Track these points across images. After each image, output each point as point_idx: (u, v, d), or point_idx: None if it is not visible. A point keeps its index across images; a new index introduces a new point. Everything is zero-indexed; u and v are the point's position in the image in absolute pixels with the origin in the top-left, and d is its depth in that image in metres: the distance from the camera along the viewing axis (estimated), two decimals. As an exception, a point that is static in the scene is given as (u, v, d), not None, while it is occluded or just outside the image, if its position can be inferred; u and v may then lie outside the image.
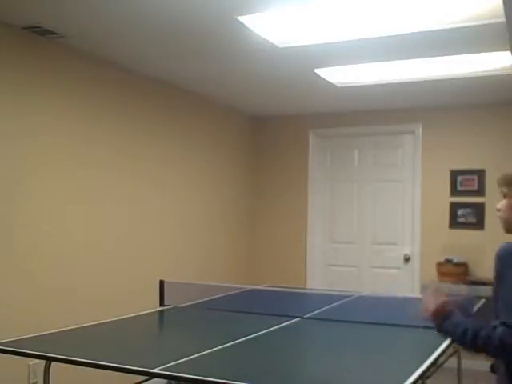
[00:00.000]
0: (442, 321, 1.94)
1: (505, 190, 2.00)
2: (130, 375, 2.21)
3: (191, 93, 5.43)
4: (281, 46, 3.88)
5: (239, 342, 2.59)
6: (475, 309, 3.40)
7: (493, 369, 2.02)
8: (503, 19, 3.24)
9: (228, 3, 3.14)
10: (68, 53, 4.04)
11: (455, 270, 5.36)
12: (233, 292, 4.21)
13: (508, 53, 3.97)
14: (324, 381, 2.09)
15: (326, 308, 3.55)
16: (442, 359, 2.56)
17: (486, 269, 5.48)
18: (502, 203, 2.01)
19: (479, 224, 5.58)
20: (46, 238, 3.87)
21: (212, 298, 3.94)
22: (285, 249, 6.45)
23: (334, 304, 3.72)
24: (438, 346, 2.54)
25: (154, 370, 2.11)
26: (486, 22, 3.34)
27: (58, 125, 3.98)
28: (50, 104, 3.91)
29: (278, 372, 2.16)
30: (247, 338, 2.69)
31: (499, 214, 2.03)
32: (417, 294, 5.39)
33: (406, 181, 6.03)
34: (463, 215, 5.67)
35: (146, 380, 2.90)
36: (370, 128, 6.15)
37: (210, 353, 2.39)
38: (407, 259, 5.96)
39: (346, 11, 3.24)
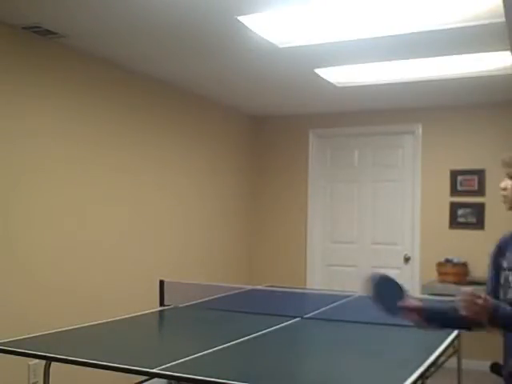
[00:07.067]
0: (494, 312, 1.87)
1: (511, 170, 2.07)
2: (130, 375, 2.21)
3: (191, 93, 5.44)
4: (281, 45, 3.88)
5: (239, 342, 2.59)
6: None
7: (493, 369, 2.02)
8: (503, 19, 3.24)
9: (228, 3, 3.14)
10: (68, 53, 4.04)
11: (455, 270, 5.36)
12: (233, 292, 4.21)
13: (508, 53, 3.97)
14: (324, 381, 2.09)
15: (325, 308, 3.55)
16: (442, 359, 2.56)
17: (485, 269, 5.47)
18: (507, 183, 2.08)
19: (479, 224, 5.58)
20: (45, 237, 3.88)
21: (212, 297, 3.94)
22: (285, 249, 6.45)
23: (334, 304, 3.72)
24: (438, 345, 2.54)
25: (154, 370, 2.11)
26: (486, 21, 3.34)
27: (58, 125, 3.98)
28: (50, 104, 3.91)
29: (278, 372, 2.16)
30: (247, 337, 2.69)
31: (503, 192, 2.10)
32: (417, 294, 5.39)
33: (406, 181, 6.02)
34: (463, 215, 5.67)
35: (146, 380, 2.90)
36: (369, 128, 6.15)
37: (209, 353, 2.39)
38: (407, 259, 5.95)
39: (346, 11, 3.24)
